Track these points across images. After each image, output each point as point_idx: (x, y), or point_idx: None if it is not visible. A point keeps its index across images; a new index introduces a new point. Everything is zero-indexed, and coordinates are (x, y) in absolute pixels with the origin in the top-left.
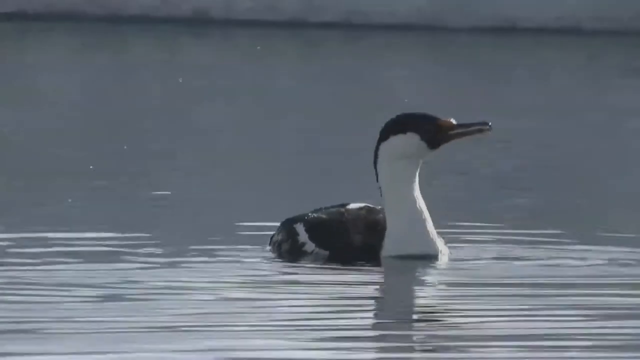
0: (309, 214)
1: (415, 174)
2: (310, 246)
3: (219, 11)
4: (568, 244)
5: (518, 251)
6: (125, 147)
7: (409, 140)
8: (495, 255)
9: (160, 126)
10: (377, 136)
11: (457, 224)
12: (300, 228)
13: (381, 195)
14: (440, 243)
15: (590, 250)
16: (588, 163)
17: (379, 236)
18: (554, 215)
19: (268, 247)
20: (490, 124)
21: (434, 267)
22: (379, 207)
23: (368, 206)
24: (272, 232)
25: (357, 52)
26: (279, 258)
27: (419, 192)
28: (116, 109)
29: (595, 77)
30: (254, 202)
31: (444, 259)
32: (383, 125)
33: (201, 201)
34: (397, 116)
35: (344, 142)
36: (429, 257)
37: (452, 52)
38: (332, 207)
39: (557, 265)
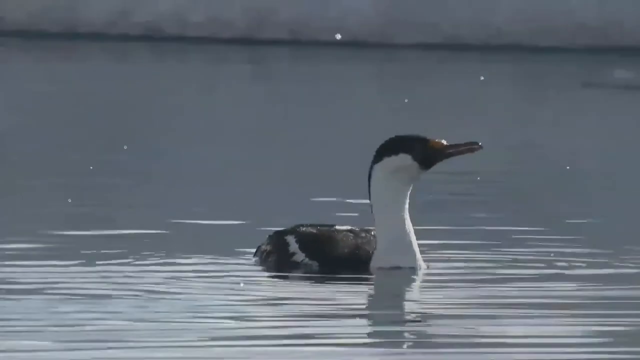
0: (300, 227)
1: (407, 194)
2: (300, 256)
3: (172, 28)
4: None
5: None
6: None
7: (402, 161)
8: (465, 269)
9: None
10: (372, 158)
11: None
12: (291, 239)
13: (371, 211)
14: (420, 258)
15: (556, 259)
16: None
17: (367, 250)
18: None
19: (254, 258)
20: (480, 143)
21: (418, 279)
22: (365, 228)
23: (355, 228)
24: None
25: (305, 70)
26: (265, 268)
27: (407, 210)
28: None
29: (531, 91)
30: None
31: (422, 272)
32: (377, 147)
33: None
34: (390, 138)
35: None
36: (414, 270)
37: (401, 68)
38: (321, 225)
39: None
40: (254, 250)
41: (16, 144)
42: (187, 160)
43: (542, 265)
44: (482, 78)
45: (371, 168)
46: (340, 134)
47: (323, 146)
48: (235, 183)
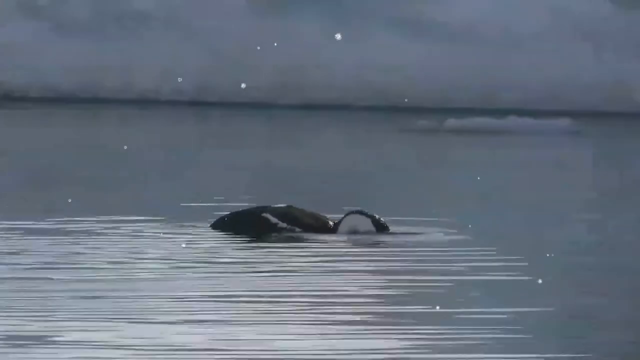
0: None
1: None
2: (282, 224)
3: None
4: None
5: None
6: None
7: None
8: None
9: None
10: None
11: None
12: (268, 215)
13: None
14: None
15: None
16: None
17: (326, 221)
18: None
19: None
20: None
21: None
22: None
23: (291, 205)
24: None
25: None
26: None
27: None
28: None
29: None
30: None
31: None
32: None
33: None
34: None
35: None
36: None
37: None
38: (252, 208)
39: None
40: None
41: None
42: None
43: None
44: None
45: None
46: None
47: None
48: None
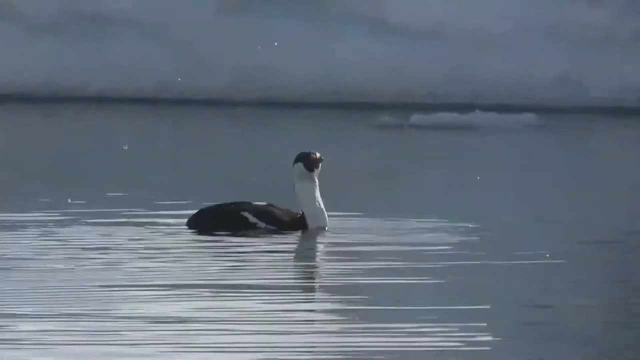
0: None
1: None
2: (261, 224)
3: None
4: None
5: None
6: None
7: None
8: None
9: None
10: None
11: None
12: (247, 214)
13: (297, 195)
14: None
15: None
16: None
17: (301, 217)
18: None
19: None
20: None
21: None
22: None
23: (271, 204)
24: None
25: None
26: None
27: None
28: None
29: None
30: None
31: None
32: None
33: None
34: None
35: None
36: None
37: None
38: (236, 202)
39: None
40: None
41: None
42: None
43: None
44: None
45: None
46: None
47: None
48: None
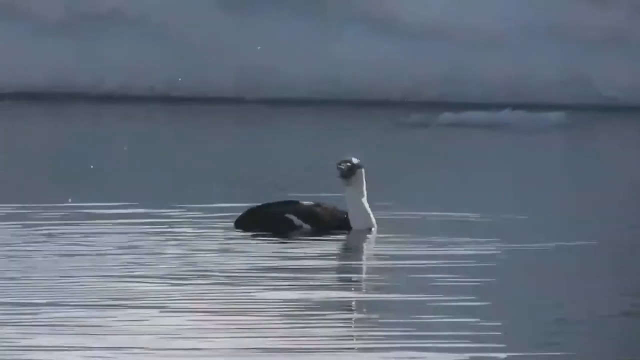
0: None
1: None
2: (306, 226)
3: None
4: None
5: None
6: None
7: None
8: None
9: None
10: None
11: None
12: (291, 216)
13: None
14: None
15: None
16: None
17: (346, 218)
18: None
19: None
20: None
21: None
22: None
23: (319, 203)
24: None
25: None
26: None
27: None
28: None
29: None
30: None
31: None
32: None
33: None
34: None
35: None
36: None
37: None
38: (283, 202)
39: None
40: None
41: None
42: None
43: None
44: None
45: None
46: None
47: None
48: None
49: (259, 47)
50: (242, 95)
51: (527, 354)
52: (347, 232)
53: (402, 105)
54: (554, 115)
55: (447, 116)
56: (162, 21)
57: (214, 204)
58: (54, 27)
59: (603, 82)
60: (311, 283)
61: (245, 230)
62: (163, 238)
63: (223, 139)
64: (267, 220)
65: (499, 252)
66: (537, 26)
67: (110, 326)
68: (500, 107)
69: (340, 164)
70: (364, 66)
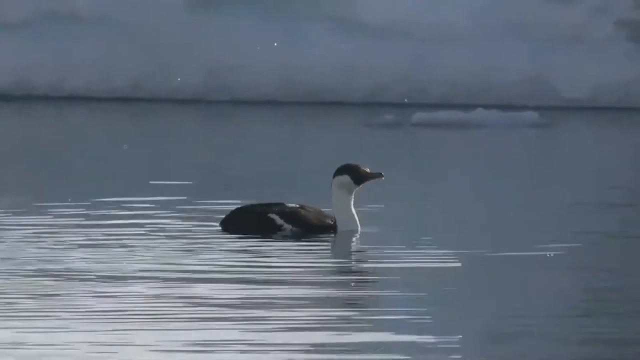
0: (274, 207)
1: (351, 196)
2: (287, 227)
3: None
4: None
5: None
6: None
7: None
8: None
9: None
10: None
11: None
12: (274, 216)
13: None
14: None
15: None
16: None
17: (331, 220)
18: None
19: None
20: (383, 174)
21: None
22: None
23: (303, 205)
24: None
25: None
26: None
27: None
28: None
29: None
30: None
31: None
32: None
33: None
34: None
35: None
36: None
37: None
38: (269, 204)
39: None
40: None
41: None
42: None
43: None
44: None
45: (332, 181)
46: None
47: None
48: None
49: (225, 46)
50: (207, 96)
51: None
52: (332, 234)
53: (370, 105)
54: (528, 115)
55: (420, 116)
56: (126, 20)
57: (196, 206)
58: (16, 25)
59: (565, 81)
60: (289, 281)
61: (229, 231)
62: (146, 239)
63: (187, 140)
64: (250, 221)
65: (458, 259)
66: (501, 24)
67: (90, 324)
68: (467, 107)
69: (366, 169)
70: (330, 66)
